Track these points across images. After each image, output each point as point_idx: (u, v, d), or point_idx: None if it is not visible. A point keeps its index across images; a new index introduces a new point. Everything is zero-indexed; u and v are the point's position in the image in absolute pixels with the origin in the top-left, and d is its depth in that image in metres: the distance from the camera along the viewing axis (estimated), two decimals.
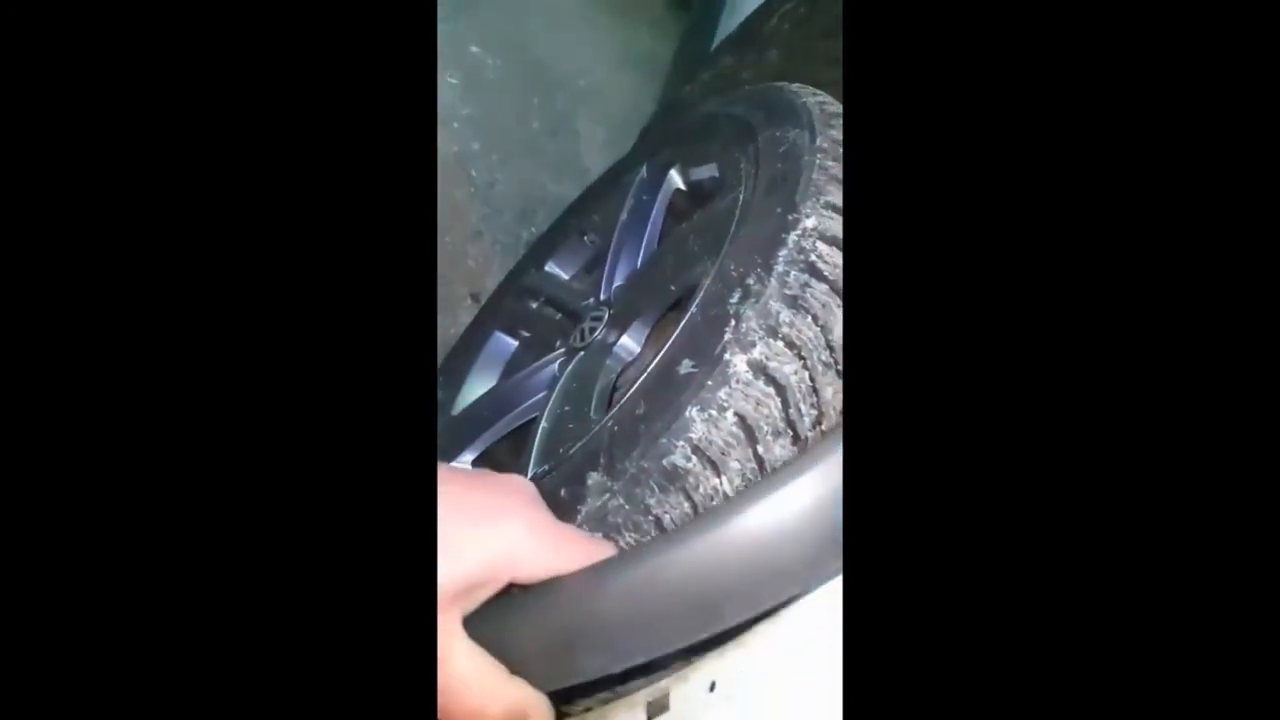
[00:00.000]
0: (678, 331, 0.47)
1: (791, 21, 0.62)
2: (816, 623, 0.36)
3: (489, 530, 0.39)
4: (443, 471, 0.38)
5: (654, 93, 0.72)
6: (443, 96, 0.48)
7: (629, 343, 0.56)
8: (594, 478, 0.46)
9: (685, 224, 0.58)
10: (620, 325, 0.56)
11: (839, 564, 0.34)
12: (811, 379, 0.44)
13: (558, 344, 0.61)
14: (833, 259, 0.46)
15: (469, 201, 0.55)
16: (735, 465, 0.43)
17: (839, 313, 0.45)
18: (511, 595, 0.40)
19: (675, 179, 0.60)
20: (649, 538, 0.44)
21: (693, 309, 0.48)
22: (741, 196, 0.52)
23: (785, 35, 0.61)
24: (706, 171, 0.59)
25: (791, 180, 0.49)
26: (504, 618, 0.39)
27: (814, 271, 0.45)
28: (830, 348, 0.45)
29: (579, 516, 0.45)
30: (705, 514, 0.40)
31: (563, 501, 0.46)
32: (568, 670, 0.38)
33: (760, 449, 0.44)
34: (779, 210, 0.48)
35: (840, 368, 0.45)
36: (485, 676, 0.38)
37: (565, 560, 0.39)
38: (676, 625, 0.37)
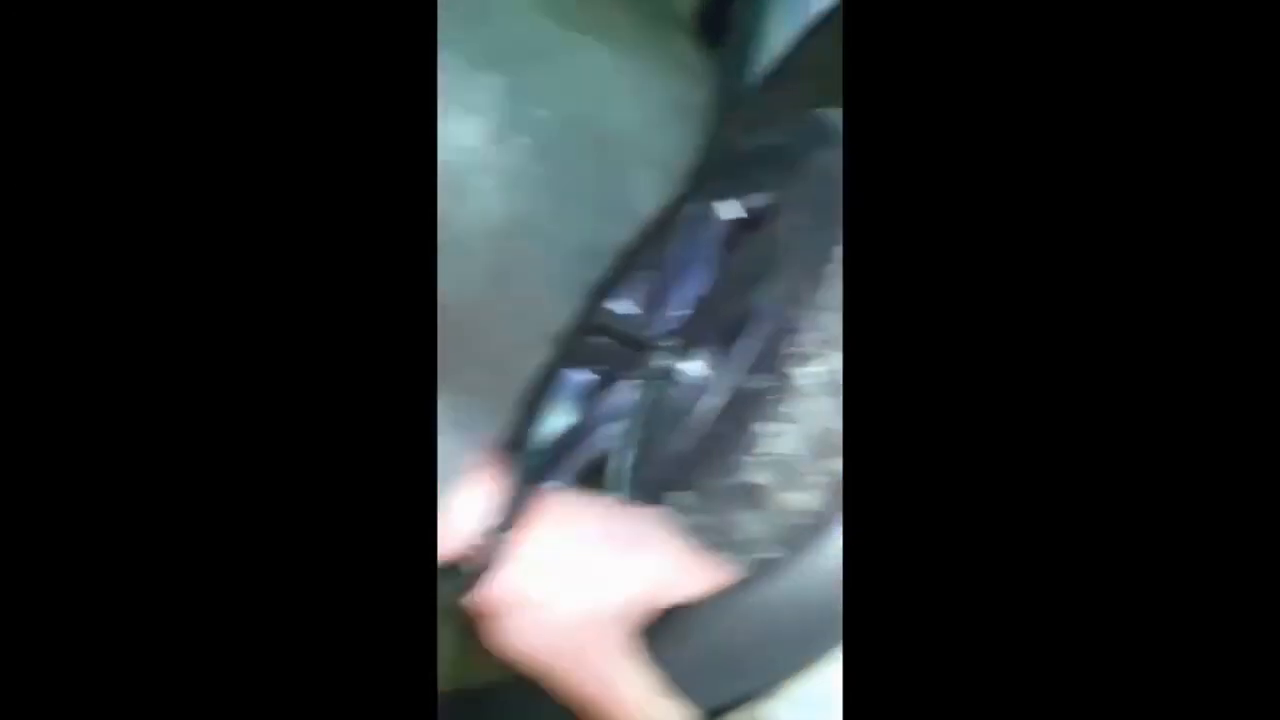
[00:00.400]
0: (741, 352, 0.50)
1: (826, 55, 0.60)
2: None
3: (641, 557, 0.42)
4: (578, 505, 0.43)
5: (694, 135, 0.62)
6: (513, 158, 0.47)
7: (699, 367, 0.60)
8: (673, 498, 0.48)
9: (738, 251, 0.63)
10: (688, 352, 0.60)
11: None
12: None
13: (621, 375, 0.64)
14: None
15: (534, 252, 0.54)
16: (811, 480, 0.44)
17: None
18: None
19: (721, 210, 0.63)
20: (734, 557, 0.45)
21: (753, 328, 0.51)
22: (786, 225, 0.57)
23: (821, 69, 0.60)
24: (756, 200, 0.63)
25: (831, 206, 0.53)
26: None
27: None
28: None
29: None
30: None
31: None
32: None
33: (835, 461, 0.44)
34: (821, 241, 0.50)
35: None
36: (655, 696, 0.40)
37: (711, 584, 0.41)
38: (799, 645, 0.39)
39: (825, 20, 0.62)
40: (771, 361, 0.45)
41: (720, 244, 0.62)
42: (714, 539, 0.44)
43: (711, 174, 0.60)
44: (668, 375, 0.60)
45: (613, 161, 0.58)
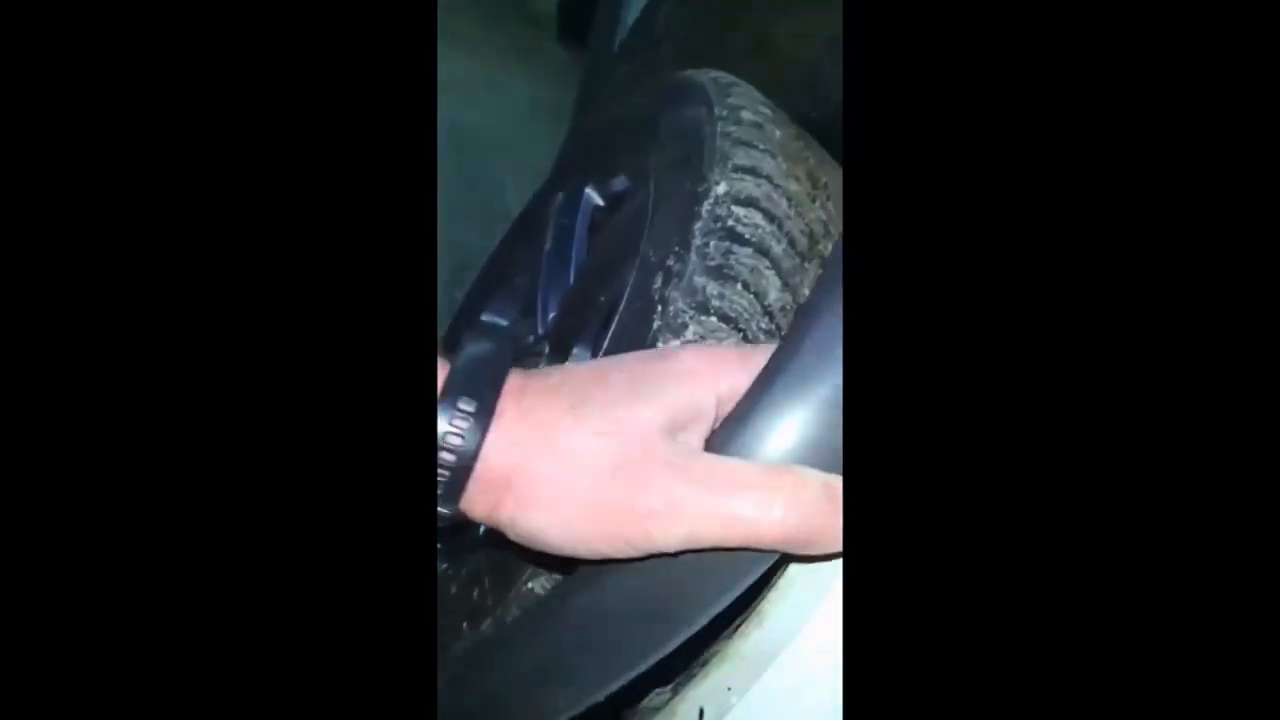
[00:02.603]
0: (609, 335, 0.45)
1: (679, 17, 0.61)
2: (792, 619, 0.35)
3: (681, 371, 0.34)
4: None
5: (560, 132, 0.71)
6: None
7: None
8: None
9: (602, 236, 0.54)
10: (561, 353, 0.54)
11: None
12: None
13: None
14: (751, 219, 0.43)
15: None
16: None
17: (770, 275, 0.42)
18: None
19: (592, 196, 0.57)
20: None
21: (620, 308, 0.45)
22: (651, 188, 0.48)
23: (676, 31, 0.60)
24: (620, 183, 0.56)
25: (696, 154, 0.50)
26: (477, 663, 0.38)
27: (734, 236, 0.43)
28: (768, 313, 0.42)
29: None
30: None
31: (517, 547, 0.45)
32: (546, 711, 0.36)
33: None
34: (688, 185, 0.46)
35: (783, 331, 0.42)
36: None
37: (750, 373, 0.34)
38: (635, 643, 0.34)
39: None
40: (638, 338, 0.42)
41: (589, 230, 0.57)
42: None
43: (575, 160, 0.59)
44: None
45: (481, 167, 0.62)
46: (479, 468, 0.32)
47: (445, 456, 0.32)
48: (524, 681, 0.36)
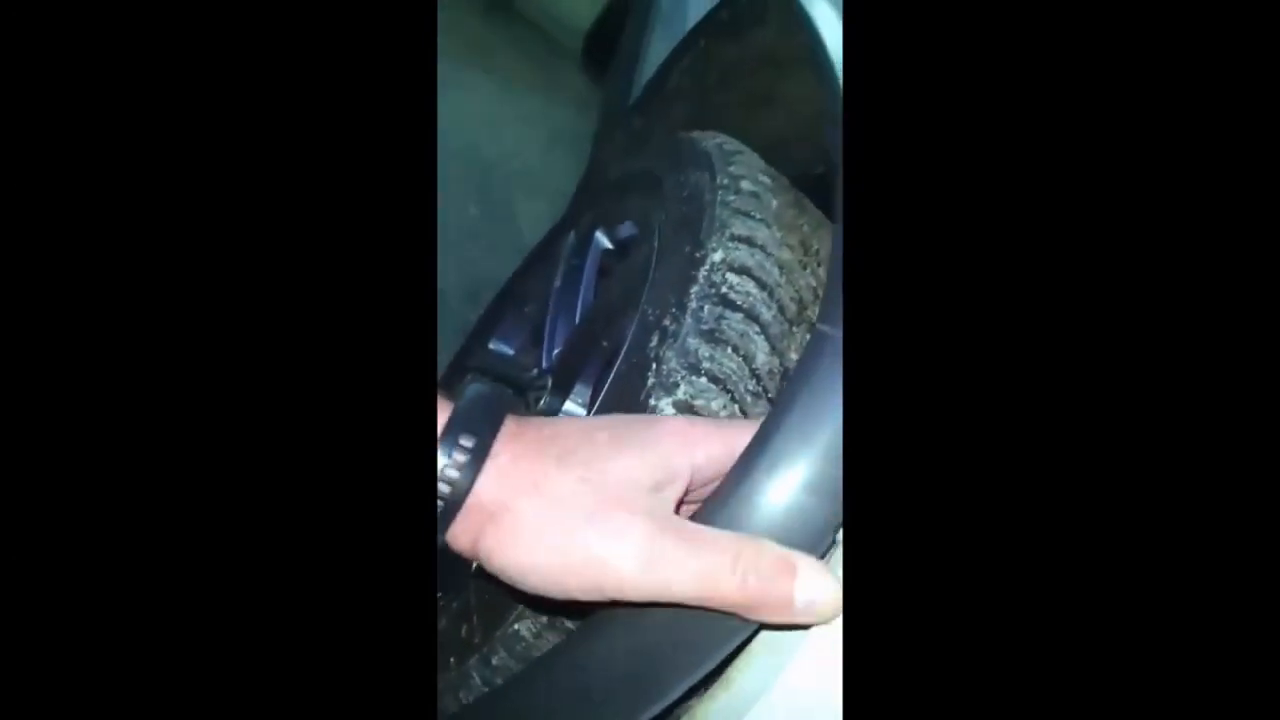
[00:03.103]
0: (606, 386, 0.47)
1: (691, 74, 0.63)
2: (756, 684, 0.35)
3: (660, 434, 0.37)
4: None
5: (578, 163, 0.72)
6: None
7: (572, 407, 0.55)
8: None
9: (609, 281, 0.58)
10: (563, 391, 0.57)
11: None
12: (742, 410, 0.43)
13: None
14: (744, 287, 0.46)
15: None
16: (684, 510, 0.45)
17: (759, 339, 0.44)
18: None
19: (601, 240, 0.61)
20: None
21: (618, 361, 0.48)
22: (655, 243, 0.52)
23: (687, 89, 0.62)
24: (628, 229, 0.59)
25: (696, 220, 0.50)
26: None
27: (726, 303, 0.45)
28: (755, 376, 0.44)
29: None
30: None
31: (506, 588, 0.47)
32: None
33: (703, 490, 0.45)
34: (687, 249, 0.48)
35: (770, 395, 0.44)
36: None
37: (734, 449, 0.37)
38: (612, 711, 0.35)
39: (690, 44, 0.62)
40: (633, 393, 0.45)
41: (597, 272, 0.61)
42: None
43: (588, 202, 0.63)
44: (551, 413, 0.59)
45: (497, 194, 0.65)
46: (469, 501, 0.34)
47: (442, 488, 0.33)
48: None
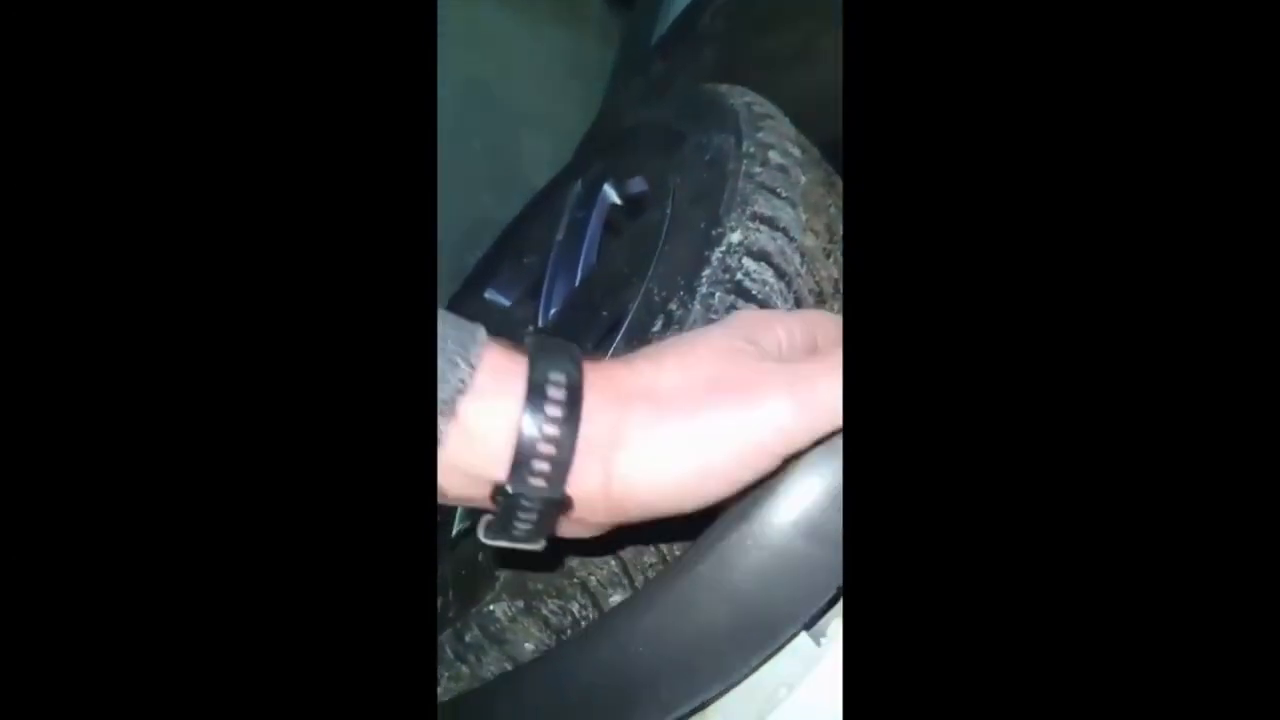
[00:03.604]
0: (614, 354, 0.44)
1: (725, 17, 0.57)
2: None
3: (735, 318, 0.36)
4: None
5: (599, 102, 0.66)
6: None
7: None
8: None
9: (616, 242, 0.54)
10: None
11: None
12: None
13: None
14: (761, 275, 0.43)
15: None
16: None
17: None
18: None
19: (610, 193, 0.56)
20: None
21: (617, 340, 0.45)
22: (669, 210, 0.47)
23: (719, 32, 0.56)
24: (639, 184, 0.55)
25: (716, 191, 0.46)
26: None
27: (740, 291, 0.42)
28: None
29: (498, 584, 0.42)
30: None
31: (480, 567, 0.43)
32: None
33: None
34: (703, 225, 0.45)
35: None
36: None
37: (811, 330, 0.36)
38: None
39: None
40: None
41: (603, 228, 0.56)
42: (551, 583, 0.41)
43: (599, 151, 0.57)
44: None
45: (502, 128, 0.59)
46: (580, 445, 0.30)
47: (545, 450, 0.29)
48: None
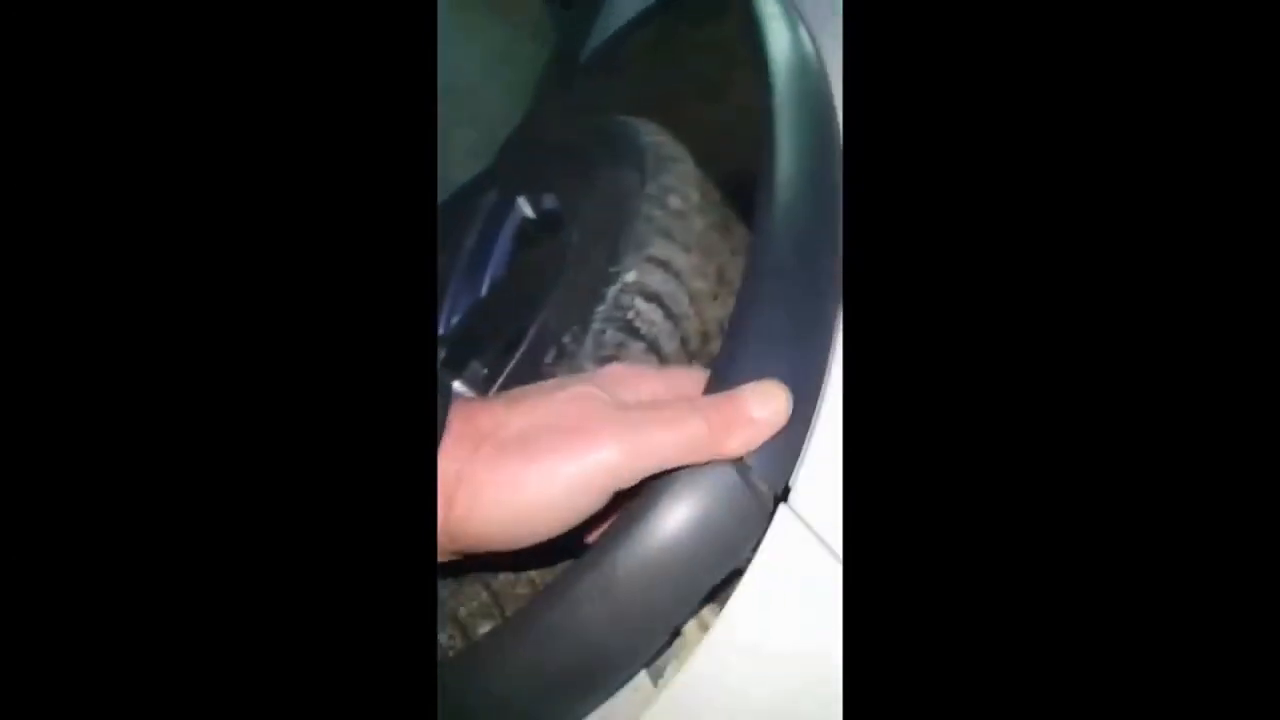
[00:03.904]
0: (494, 391, 0.46)
1: (645, 51, 0.57)
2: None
3: (603, 373, 0.38)
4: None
5: (528, 94, 0.65)
6: None
7: (461, 389, 0.53)
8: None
9: (524, 258, 0.55)
10: (456, 367, 0.54)
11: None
12: None
13: None
14: (650, 316, 0.44)
15: None
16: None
17: None
18: None
19: (523, 206, 0.58)
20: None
21: (510, 365, 0.47)
22: (574, 238, 0.49)
23: (637, 64, 0.57)
24: (552, 201, 0.56)
25: (617, 228, 0.48)
26: None
27: (630, 330, 0.44)
28: None
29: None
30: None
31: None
32: None
33: None
34: (602, 261, 0.47)
35: None
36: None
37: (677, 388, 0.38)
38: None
39: (649, 19, 0.56)
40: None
41: (514, 240, 0.58)
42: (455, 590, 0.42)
43: (517, 162, 0.58)
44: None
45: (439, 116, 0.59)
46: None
47: None
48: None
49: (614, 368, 0.39)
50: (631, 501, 0.35)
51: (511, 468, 0.34)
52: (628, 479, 0.34)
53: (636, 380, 0.37)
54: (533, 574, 0.42)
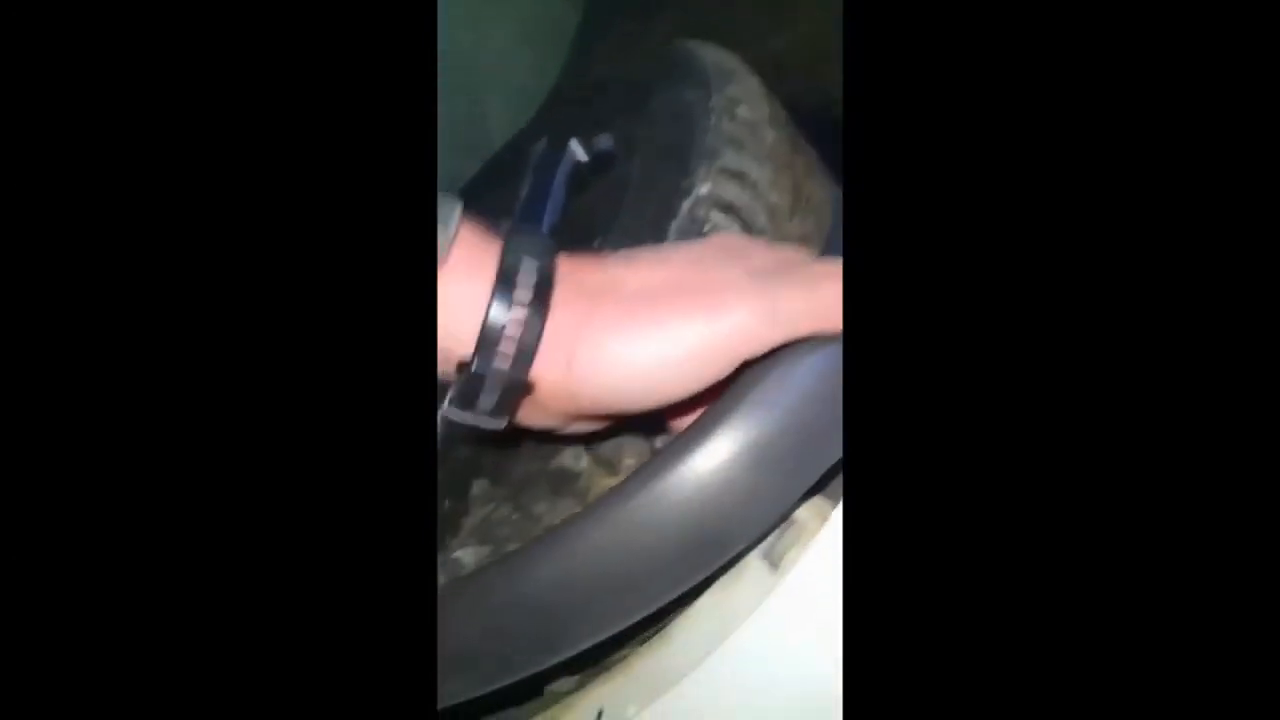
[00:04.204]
0: None
1: None
2: (697, 649, 0.35)
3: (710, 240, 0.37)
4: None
5: (554, 58, 0.65)
6: None
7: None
8: (479, 486, 0.42)
9: (580, 202, 0.53)
10: None
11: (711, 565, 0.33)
12: None
13: None
14: (728, 228, 0.42)
15: None
16: (630, 464, 0.40)
17: None
18: None
19: (576, 149, 0.55)
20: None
21: None
22: (635, 166, 0.46)
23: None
24: (606, 142, 0.54)
25: (685, 144, 0.46)
26: None
27: None
28: None
29: (462, 530, 0.41)
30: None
31: (446, 514, 0.42)
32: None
33: (659, 443, 0.40)
34: (671, 177, 0.45)
35: None
36: None
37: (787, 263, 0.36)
38: (540, 643, 0.34)
39: None
40: None
41: (568, 187, 0.56)
42: (519, 528, 0.40)
43: (565, 108, 0.56)
44: None
45: (463, 88, 0.58)
46: (547, 330, 0.31)
47: (508, 335, 0.30)
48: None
49: (724, 236, 0.38)
50: (749, 371, 0.33)
51: (637, 325, 0.32)
52: (758, 347, 0.32)
53: (749, 247, 0.35)
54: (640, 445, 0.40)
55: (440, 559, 0.42)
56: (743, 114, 0.48)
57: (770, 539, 0.37)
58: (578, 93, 0.58)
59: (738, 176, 0.45)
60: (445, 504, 0.43)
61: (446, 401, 0.33)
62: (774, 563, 0.37)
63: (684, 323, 0.32)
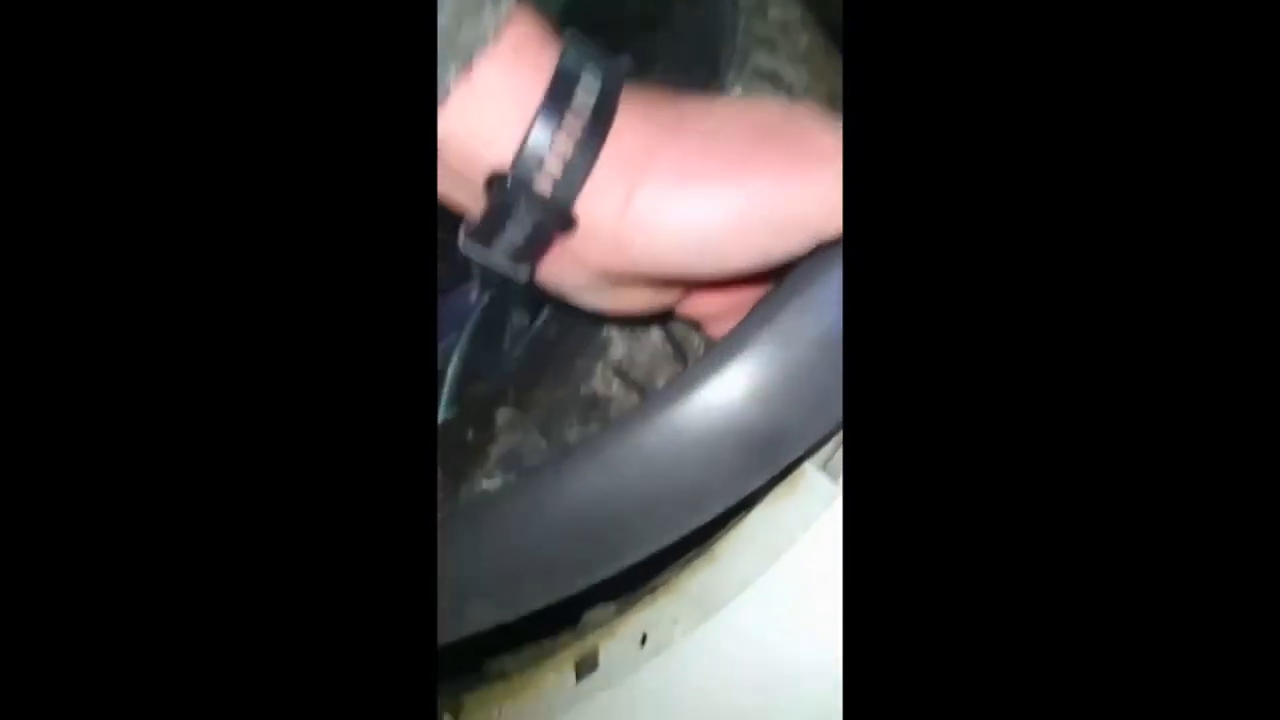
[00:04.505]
0: None
1: None
2: (748, 567, 0.32)
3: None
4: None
5: None
6: None
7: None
8: (504, 414, 0.40)
9: None
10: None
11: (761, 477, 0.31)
12: None
13: (453, 283, 0.54)
14: None
15: None
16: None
17: None
18: None
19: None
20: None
21: None
22: (663, 73, 0.44)
23: None
24: (627, 64, 0.51)
25: (714, 47, 0.44)
26: None
27: None
28: None
29: (489, 460, 0.39)
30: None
31: (470, 444, 0.40)
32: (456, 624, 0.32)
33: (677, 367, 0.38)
34: (702, 81, 0.42)
35: None
36: None
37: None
38: (573, 563, 0.31)
39: None
40: None
41: None
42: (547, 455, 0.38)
43: (577, 33, 0.54)
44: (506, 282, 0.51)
45: None
46: (604, 156, 0.25)
47: (550, 166, 0.24)
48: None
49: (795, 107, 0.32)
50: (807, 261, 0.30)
51: (714, 171, 0.27)
52: (838, 230, 0.27)
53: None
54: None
55: (466, 490, 0.39)
56: (775, 14, 0.46)
57: (829, 447, 0.33)
58: (590, 12, 0.55)
59: (771, 78, 0.43)
60: (469, 435, 0.40)
61: (462, 232, 0.28)
62: (833, 473, 0.33)
63: (770, 179, 0.27)
